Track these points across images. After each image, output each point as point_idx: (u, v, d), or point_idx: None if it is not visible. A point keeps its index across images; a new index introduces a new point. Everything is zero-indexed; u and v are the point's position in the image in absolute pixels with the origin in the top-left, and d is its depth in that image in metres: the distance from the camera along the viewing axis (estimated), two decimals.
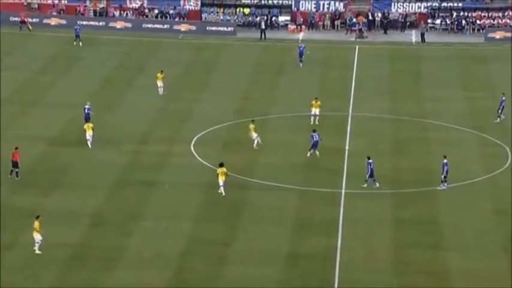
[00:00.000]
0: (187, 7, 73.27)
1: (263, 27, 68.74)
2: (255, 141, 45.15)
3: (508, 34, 68.75)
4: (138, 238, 35.68)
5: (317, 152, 43.89)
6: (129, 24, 70.86)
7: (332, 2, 73.33)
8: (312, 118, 48.67)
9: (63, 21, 70.72)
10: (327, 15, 72.65)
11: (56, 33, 67.73)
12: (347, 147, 45.76)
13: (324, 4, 73.34)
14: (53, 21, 70.83)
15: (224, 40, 68.33)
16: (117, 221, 37.13)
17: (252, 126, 45.50)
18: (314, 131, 44.83)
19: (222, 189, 39.48)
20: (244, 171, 42.38)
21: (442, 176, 40.51)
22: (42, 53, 62.88)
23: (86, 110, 47.78)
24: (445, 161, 40.71)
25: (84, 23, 70.50)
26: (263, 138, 45.90)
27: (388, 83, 57.81)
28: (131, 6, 73.16)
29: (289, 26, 72.11)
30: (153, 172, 42.29)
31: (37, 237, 34.24)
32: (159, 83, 53.55)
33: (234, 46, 67.20)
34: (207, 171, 42.25)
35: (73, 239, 35.32)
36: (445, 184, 40.64)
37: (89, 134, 45.10)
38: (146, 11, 72.93)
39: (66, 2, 73.41)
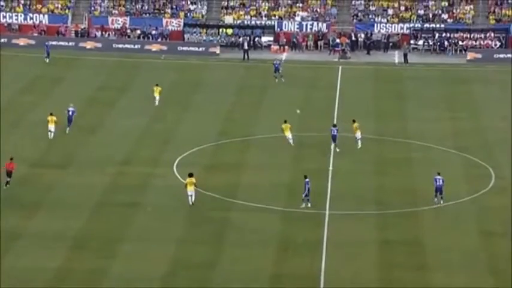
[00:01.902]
0: (169, 28, 73.21)
1: (246, 47, 68.73)
2: (289, 141, 47.60)
3: (492, 55, 69.20)
4: (120, 261, 35.22)
5: (336, 148, 46.26)
6: (108, 44, 70.61)
7: (315, 23, 73.57)
8: (358, 142, 48.02)
9: (32, 42, 70.17)
10: (310, 36, 72.80)
11: (35, 54, 67.30)
12: (331, 168, 45.58)
13: (307, 25, 73.56)
14: (22, 42, 70.19)
15: (207, 61, 68.22)
16: (99, 244, 36.67)
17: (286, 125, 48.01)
18: (334, 125, 47.93)
19: (191, 199, 39.68)
20: (227, 192, 42.07)
21: (438, 192, 40.71)
22: (23, 74, 62.40)
23: (70, 113, 48.97)
24: (439, 177, 40.88)
25: (63, 43, 70.38)
26: (246, 159, 45.63)
27: (372, 104, 57.83)
28: (113, 26, 73.01)
29: (272, 46, 72.18)
30: (135, 194, 41.89)
31: None
32: (156, 96, 55.36)
33: (217, 66, 67.09)
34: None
35: (54, 261, 34.81)
36: (436, 199, 40.88)
37: (51, 126, 47.35)
38: (128, 31, 72.79)
39: (47, 22, 73.21)
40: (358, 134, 48.38)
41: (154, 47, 70.21)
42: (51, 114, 49.83)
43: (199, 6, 75.31)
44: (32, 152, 46.67)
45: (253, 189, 42.46)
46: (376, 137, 50.76)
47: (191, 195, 40.03)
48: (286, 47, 71.87)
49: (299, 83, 62.22)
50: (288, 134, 48.69)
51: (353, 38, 72.31)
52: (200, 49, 70.11)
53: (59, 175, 43.80)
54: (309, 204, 40.27)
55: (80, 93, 57.95)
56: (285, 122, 49.33)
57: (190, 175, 40.24)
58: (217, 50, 70.05)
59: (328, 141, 48.65)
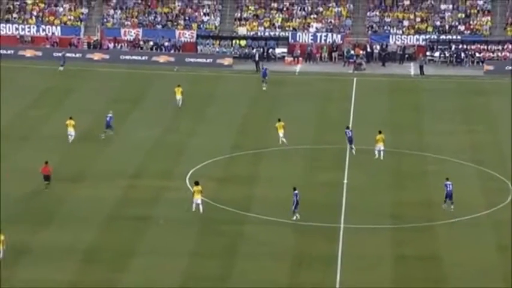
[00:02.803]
0: (182, 39, 72.96)
1: (257, 59, 68.34)
2: (280, 140, 48.26)
3: (508, 67, 68.45)
4: (132, 274, 34.82)
5: (353, 148, 47.29)
6: (129, 57, 70.43)
7: (330, 34, 73.12)
8: (377, 153, 47.80)
9: (39, 53, 69.99)
10: (325, 47, 72.33)
11: (42, 66, 67.15)
12: (345, 181, 45.00)
13: (321, 36, 73.11)
14: (28, 53, 69.97)
15: (220, 72, 67.86)
16: (110, 257, 36.30)
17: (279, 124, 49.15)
18: (348, 127, 48.88)
19: (200, 207, 39.80)
20: (240, 205, 41.60)
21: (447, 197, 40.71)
22: (32, 86, 62.22)
23: (108, 118, 50.59)
24: (448, 182, 40.89)
25: (78, 55, 70.29)
26: (259, 172, 45.11)
27: (387, 116, 57.24)
28: (126, 38, 72.84)
29: (286, 58, 71.75)
30: (147, 207, 41.48)
31: None
32: (178, 97, 56.54)
33: (230, 78, 66.72)
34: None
35: (65, 275, 34.45)
36: (446, 204, 40.87)
37: (70, 130, 48.66)
38: (141, 43, 72.58)
39: (59, 34, 73.16)
40: (381, 146, 47.79)
41: (162, 59, 69.95)
42: (70, 118, 50.21)
43: (213, 17, 75.07)
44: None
45: (266, 202, 41.95)
46: (392, 149, 50.12)
47: (199, 204, 39.98)
48: (300, 59, 71.43)
49: (313, 94, 61.76)
50: (280, 133, 49.18)
51: (368, 50, 71.79)
52: (208, 60, 69.80)
53: (71, 188, 43.46)
54: (298, 217, 39.81)
55: (92, 105, 57.63)
56: (279, 120, 49.82)
57: (197, 183, 40.26)
58: (225, 61, 69.44)
59: (343, 154, 48.10)
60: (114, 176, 45.14)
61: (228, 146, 50.26)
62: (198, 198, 40.12)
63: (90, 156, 48.04)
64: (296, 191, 40.12)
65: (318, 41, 72.97)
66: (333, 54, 72.11)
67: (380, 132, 48.77)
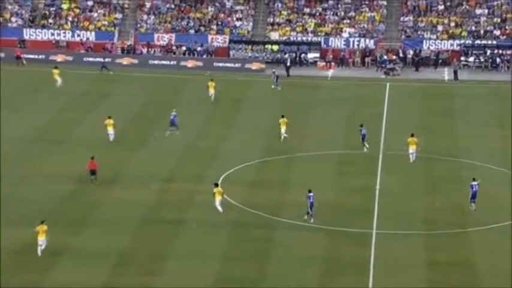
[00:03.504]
0: (215, 44, 73.18)
1: (288, 64, 68.24)
2: (282, 136, 49.78)
3: None
4: (164, 278, 34.91)
5: (366, 146, 48.50)
6: (161, 61, 70.87)
7: (362, 39, 72.87)
8: (411, 157, 47.82)
9: (70, 58, 70.54)
10: (357, 52, 72.09)
11: (76, 71, 67.71)
12: (378, 186, 44.77)
13: (354, 41, 72.90)
14: (59, 58, 70.54)
15: (252, 77, 67.91)
16: (143, 260, 36.42)
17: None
18: (361, 125, 49.48)
19: (219, 208, 40.32)
20: (272, 210, 41.55)
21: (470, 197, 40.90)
22: (70, 90, 62.78)
23: (172, 117, 51.82)
24: (474, 183, 40.94)
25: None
26: (291, 177, 45.01)
27: (420, 121, 56.87)
28: (159, 43, 73.24)
29: (318, 62, 71.63)
30: (180, 210, 41.59)
31: (41, 240, 35.70)
32: (211, 91, 58.49)
33: (262, 83, 66.75)
34: (234, 210, 41.47)
35: (99, 278, 34.63)
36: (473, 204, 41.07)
37: (109, 129, 49.99)
38: (174, 48, 72.93)
39: (94, 39, 73.80)
40: (413, 149, 47.49)
41: (190, 63, 70.18)
42: (109, 118, 50.91)
43: (245, 22, 75.20)
44: (78, 168, 46.63)
45: (298, 207, 41.82)
46: (425, 154, 49.78)
47: (220, 205, 40.33)
48: (332, 64, 71.27)
49: (345, 99, 61.56)
50: (283, 129, 49.98)
51: (401, 55, 71.41)
52: (236, 65, 69.89)
53: (105, 191, 43.71)
54: (312, 219, 39.81)
55: (124, 109, 57.97)
56: (282, 116, 50.65)
57: (216, 185, 41.01)
58: (254, 65, 69.28)
59: (375, 159, 47.87)
60: (147, 179, 45.33)
61: (260, 150, 50.25)
62: (218, 199, 40.39)
63: (124, 160, 48.31)
64: (311, 193, 40.15)
65: (351, 46, 72.75)
66: (366, 59, 71.83)
67: (412, 135, 48.47)
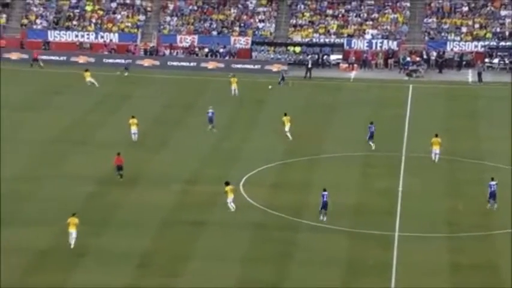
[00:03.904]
0: (237, 45, 73.19)
1: (310, 66, 68.11)
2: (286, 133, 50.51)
3: None
4: (186, 279, 34.91)
5: (372, 144, 49.04)
6: (181, 63, 70.99)
7: (385, 41, 72.55)
8: (433, 156, 47.75)
9: (92, 59, 70.83)
10: (380, 54, 71.78)
11: (98, 72, 67.99)
12: (400, 188, 44.52)
13: (376, 43, 72.59)
14: (81, 59, 70.88)
15: (275, 79, 67.85)
16: (165, 262, 36.45)
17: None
18: (371, 122, 49.90)
19: (232, 205, 40.76)
20: (293, 211, 41.44)
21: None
22: (91, 92, 63.05)
23: (210, 114, 52.82)
24: (493, 182, 40.90)
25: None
26: (313, 178, 44.86)
27: (443, 123, 56.51)
28: (181, 45, 73.38)
29: (341, 64, 71.41)
30: (201, 212, 41.57)
31: (73, 232, 36.87)
32: (233, 87, 60.66)
33: (284, 84, 66.60)
34: (256, 212, 41.40)
35: (121, 279, 34.69)
36: (490, 204, 41.17)
37: (133, 129, 50.42)
38: (196, 49, 73.04)
39: (117, 41, 74.09)
40: (437, 149, 47.24)
41: (211, 65, 70.21)
42: (132, 117, 51.19)
43: (268, 24, 75.16)
44: (100, 170, 46.82)
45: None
46: (448, 157, 49.45)
47: (230, 203, 40.85)
48: (355, 65, 71.03)
49: (368, 101, 61.31)
50: (287, 127, 50.62)
51: (425, 56, 71.00)
52: (256, 66, 69.84)
53: (126, 193, 43.80)
54: (324, 218, 39.88)
55: (146, 111, 58.10)
56: (285, 114, 51.41)
57: (227, 183, 41.33)
58: (274, 67, 69.18)
59: (398, 161, 47.62)
60: (169, 180, 45.37)
61: (282, 152, 50.15)
62: (231, 197, 40.75)
63: (145, 161, 48.39)
64: (325, 192, 40.20)
65: (374, 47, 72.46)
66: (389, 61, 71.50)
67: (436, 136, 48.20)
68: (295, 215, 41.08)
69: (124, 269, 35.60)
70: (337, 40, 73.03)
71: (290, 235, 39.06)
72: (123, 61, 69.95)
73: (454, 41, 72.34)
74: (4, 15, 75.83)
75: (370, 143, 50.07)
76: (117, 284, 34.30)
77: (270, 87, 61.25)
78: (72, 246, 36.97)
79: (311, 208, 41.92)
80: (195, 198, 43.35)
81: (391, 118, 57.53)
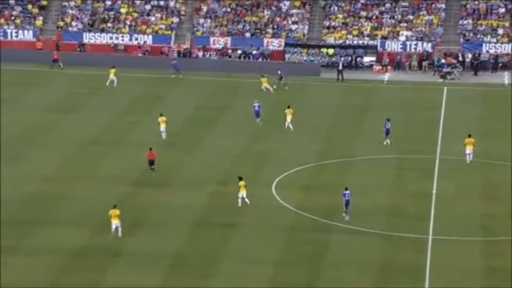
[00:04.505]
0: (270, 47, 73.12)
1: (340, 68, 67.77)
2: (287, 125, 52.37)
3: None
4: (218, 280, 34.94)
5: (388, 141, 49.65)
6: (212, 64, 71.05)
7: (420, 43, 71.97)
8: (468, 157, 47.48)
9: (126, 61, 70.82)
10: (414, 56, 71.26)
11: (140, 74, 68.34)
12: (434, 191, 44.12)
13: (411, 44, 72.05)
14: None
15: (307, 81, 67.68)
16: (197, 263, 36.49)
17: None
18: (388, 119, 50.32)
19: (240, 201, 41.38)
20: (326, 214, 41.26)
21: None
22: (126, 93, 63.38)
23: (256, 108, 53.76)
24: None
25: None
26: (346, 181, 44.65)
27: (478, 126, 55.87)
28: (214, 46, 73.51)
29: (374, 66, 71.01)
30: (233, 214, 41.56)
31: (115, 223, 38.13)
32: (264, 86, 62.25)
33: (317, 87, 66.45)
34: (288, 214, 41.28)
35: (153, 280, 34.80)
36: None
37: (162, 127, 51.02)
38: (229, 51, 73.11)
39: (151, 43, 74.41)
40: (470, 149, 46.80)
41: (243, 67, 69.94)
42: (160, 115, 51.40)
43: (301, 25, 75.00)
44: (133, 170, 47.02)
45: (353, 212, 41.44)
46: (483, 160, 48.89)
47: (244, 198, 41.46)
48: (388, 67, 70.57)
49: (402, 104, 60.87)
50: (288, 119, 52.82)
51: (460, 58, 70.31)
52: (290, 68, 69.52)
53: (159, 194, 43.94)
54: (347, 217, 40.01)
55: (179, 112, 58.23)
56: (288, 107, 53.72)
57: (241, 178, 41.82)
58: (308, 69, 68.99)
59: (432, 163, 47.21)
60: (201, 182, 45.43)
61: (315, 154, 49.96)
62: (243, 193, 41.17)
63: (178, 163, 48.50)
64: (347, 191, 40.22)
65: (408, 49, 71.92)
66: (423, 63, 70.91)
67: (469, 136, 47.72)
68: (327, 217, 40.89)
69: (157, 269, 35.70)
70: (371, 42, 72.63)
71: (322, 237, 38.91)
72: (175, 62, 68.98)
73: (489, 42, 71.50)
74: (41, 18, 76.59)
75: (387, 140, 50.05)
76: (150, 285, 34.43)
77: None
78: (120, 235, 38.09)
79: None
80: (227, 199, 43.33)
81: (425, 120, 57.05)
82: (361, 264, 36.29)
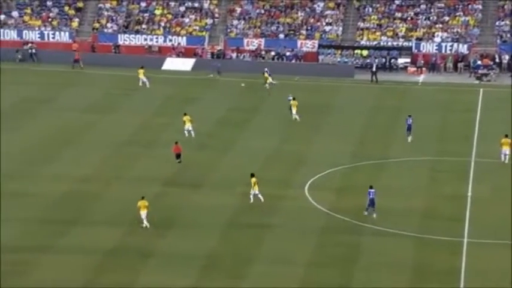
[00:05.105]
0: (304, 49, 72.87)
1: (374, 69, 67.28)
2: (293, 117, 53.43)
3: None
4: (250, 281, 34.79)
5: (409, 137, 50.34)
6: (245, 66, 70.98)
7: (455, 44, 71.24)
8: (503, 157, 47.03)
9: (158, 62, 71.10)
10: (450, 57, 70.53)
11: (171, 75, 68.47)
12: (469, 194, 43.56)
13: (446, 46, 71.34)
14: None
15: (341, 82, 67.33)
16: (229, 264, 36.38)
17: None
18: (409, 115, 51.20)
19: (260, 196, 41.83)
20: (359, 215, 40.92)
21: None
22: (159, 94, 63.54)
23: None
24: None
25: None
26: (379, 182, 44.27)
27: None
28: (248, 48, 73.45)
29: (408, 68, 70.43)
30: (265, 215, 41.38)
31: (144, 213, 38.97)
32: (268, 84, 62.28)
33: (350, 88, 66.06)
34: (321, 216, 41.03)
35: (185, 281, 34.73)
36: None
37: (188, 126, 51.44)
38: (263, 52, 72.99)
39: (185, 44, 74.61)
40: (507, 150, 46.36)
41: (278, 68, 69.61)
42: (185, 114, 51.76)
43: (335, 27, 74.65)
44: (165, 171, 47.06)
45: (386, 214, 41.09)
46: None
47: (257, 194, 41.82)
48: (423, 69, 69.95)
49: (437, 105, 60.31)
50: (294, 111, 53.83)
51: (496, 60, 69.44)
52: (323, 70, 69.17)
53: (190, 195, 43.92)
54: (374, 215, 40.11)
55: (211, 113, 58.23)
56: (294, 99, 54.98)
57: (253, 175, 42.14)
58: (345, 70, 68.63)
59: (467, 166, 46.74)
60: (233, 183, 45.32)
61: (348, 156, 49.63)
62: (256, 189, 41.63)
63: (210, 164, 48.46)
64: (372, 190, 40.39)
65: (443, 51, 71.23)
66: (459, 64, 70.19)
67: (506, 136, 47.09)
68: (360, 219, 40.56)
69: (189, 270, 35.65)
70: (405, 43, 72.04)
71: (355, 239, 38.60)
72: (217, 64, 68.57)
73: None
74: (77, 19, 77.21)
75: (408, 137, 49.92)
76: (182, 285, 34.35)
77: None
78: (148, 226, 38.80)
79: (377, 212, 41.33)
80: (260, 201, 43.16)
81: (460, 122, 56.41)
82: (394, 266, 35.91)
